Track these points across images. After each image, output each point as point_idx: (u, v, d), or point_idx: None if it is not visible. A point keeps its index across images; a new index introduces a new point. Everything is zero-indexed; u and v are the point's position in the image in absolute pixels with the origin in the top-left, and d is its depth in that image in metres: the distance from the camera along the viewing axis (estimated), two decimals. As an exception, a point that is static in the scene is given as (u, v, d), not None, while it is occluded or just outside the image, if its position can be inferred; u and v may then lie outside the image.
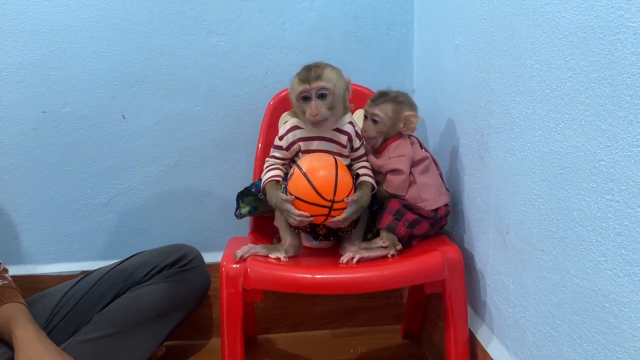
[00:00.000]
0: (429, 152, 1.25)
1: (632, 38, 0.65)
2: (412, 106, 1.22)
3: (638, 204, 0.66)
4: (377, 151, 1.24)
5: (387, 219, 1.16)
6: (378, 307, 1.62)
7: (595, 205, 0.74)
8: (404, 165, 1.18)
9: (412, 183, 1.20)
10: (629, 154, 0.67)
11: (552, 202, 0.85)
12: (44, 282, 1.46)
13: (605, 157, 0.71)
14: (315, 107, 1.12)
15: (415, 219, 1.17)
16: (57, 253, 1.54)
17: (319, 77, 1.12)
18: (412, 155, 1.19)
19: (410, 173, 1.19)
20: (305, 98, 1.13)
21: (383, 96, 1.21)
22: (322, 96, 1.13)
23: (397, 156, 1.19)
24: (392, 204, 1.17)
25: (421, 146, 1.25)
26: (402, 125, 1.20)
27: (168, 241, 1.41)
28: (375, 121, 1.20)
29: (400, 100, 1.21)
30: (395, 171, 1.18)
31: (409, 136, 1.24)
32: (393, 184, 1.19)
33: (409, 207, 1.17)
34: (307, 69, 1.15)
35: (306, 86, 1.12)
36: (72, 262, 1.54)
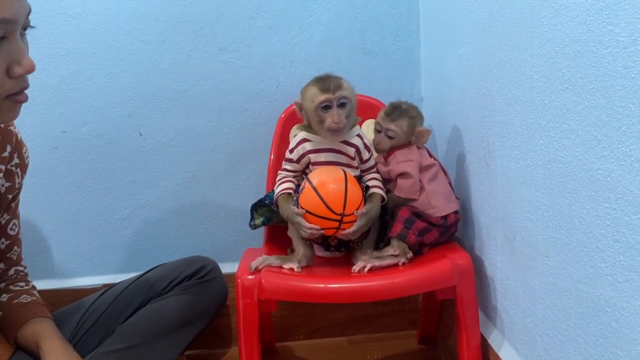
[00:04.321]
0: (438, 161, 1.28)
1: (622, 52, 0.67)
2: (422, 120, 1.27)
3: (633, 212, 0.68)
4: (384, 158, 1.28)
5: (397, 227, 1.18)
6: (393, 313, 1.64)
7: (594, 213, 0.76)
8: (412, 169, 1.21)
9: (420, 190, 1.22)
10: (623, 163, 0.69)
11: (554, 209, 0.87)
12: (68, 296, 1.51)
13: (602, 166, 0.74)
14: (337, 115, 1.15)
15: (425, 227, 1.20)
16: (80, 267, 1.59)
17: (340, 87, 1.16)
18: (419, 160, 1.23)
19: (419, 180, 1.22)
20: (325, 107, 1.17)
21: (397, 110, 1.24)
22: (342, 105, 1.17)
23: (404, 161, 1.22)
24: (402, 212, 1.20)
25: (430, 155, 1.27)
26: (414, 138, 1.24)
27: (186, 253, 1.45)
28: (390, 137, 1.24)
29: (412, 115, 1.25)
30: (404, 175, 1.21)
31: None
32: (404, 188, 1.21)
33: (419, 215, 1.20)
34: (324, 79, 1.18)
35: (329, 95, 1.15)
36: (95, 276, 1.58)
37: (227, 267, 1.47)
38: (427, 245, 1.22)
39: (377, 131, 1.27)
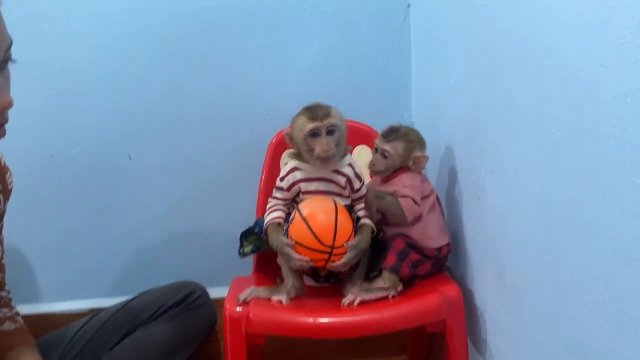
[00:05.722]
0: (435, 190, 1.26)
1: (613, 101, 0.67)
2: (422, 145, 1.25)
3: (624, 263, 0.67)
4: (386, 180, 1.25)
5: (391, 259, 1.17)
6: (384, 338, 1.62)
7: (585, 254, 0.76)
8: (416, 195, 1.19)
9: (419, 218, 1.20)
10: (614, 209, 0.68)
11: (544, 246, 0.87)
12: (54, 320, 1.49)
13: (592, 208, 0.73)
14: (327, 143, 1.15)
15: (419, 259, 1.18)
16: (67, 290, 1.57)
17: (328, 115, 1.16)
18: (421, 188, 1.21)
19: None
20: (314, 135, 1.16)
21: (394, 132, 1.23)
22: (330, 132, 1.16)
23: (410, 185, 1.20)
24: (396, 243, 1.19)
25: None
26: (411, 163, 1.22)
27: (175, 276, 1.44)
28: (385, 156, 1.22)
29: (411, 139, 1.23)
30: (408, 198, 1.19)
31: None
32: (408, 206, 1.18)
33: (413, 247, 1.19)
34: (313, 108, 1.18)
35: (317, 123, 1.15)
36: (82, 299, 1.56)
37: (217, 292, 1.45)
38: (419, 277, 1.21)
39: (375, 150, 1.26)
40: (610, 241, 0.70)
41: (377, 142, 1.25)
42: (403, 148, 1.22)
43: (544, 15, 0.82)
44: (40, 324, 1.45)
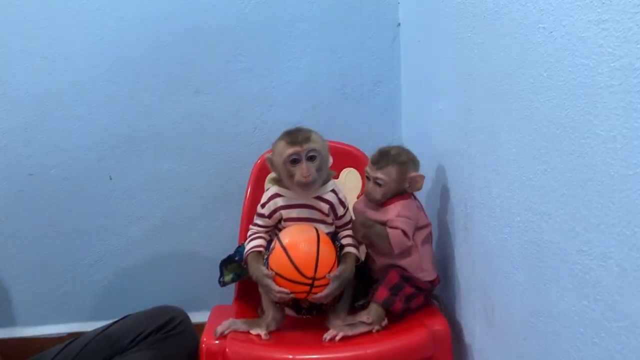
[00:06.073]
0: (430, 222, 1.21)
1: (602, 146, 0.63)
2: (415, 165, 1.18)
3: (614, 318, 0.63)
4: (381, 205, 1.18)
5: (383, 293, 1.12)
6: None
7: (573, 308, 0.71)
8: (409, 228, 1.13)
9: (413, 250, 1.15)
10: (603, 264, 0.64)
11: (532, 292, 0.83)
12: (32, 344, 1.45)
13: (580, 261, 0.69)
14: (307, 168, 1.11)
15: (413, 292, 1.13)
16: (45, 314, 1.53)
17: (308, 139, 1.12)
18: (417, 219, 1.16)
19: (413, 238, 1.15)
20: (294, 160, 1.12)
21: (384, 157, 1.15)
22: (311, 158, 1.12)
23: (405, 216, 1.14)
24: (391, 275, 1.13)
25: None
26: (407, 185, 1.16)
27: (156, 301, 1.39)
28: (379, 184, 1.15)
29: (403, 161, 1.15)
30: (399, 230, 1.13)
31: (414, 198, 1.20)
32: (396, 239, 1.13)
33: (408, 279, 1.14)
34: (293, 133, 1.14)
35: (297, 148, 1.11)
36: (60, 324, 1.52)
37: (199, 316, 1.40)
38: (411, 310, 1.16)
39: (367, 179, 1.18)
40: (598, 300, 0.66)
41: (368, 170, 1.17)
42: (396, 172, 1.14)
43: (532, 50, 0.78)
44: (17, 349, 1.41)
